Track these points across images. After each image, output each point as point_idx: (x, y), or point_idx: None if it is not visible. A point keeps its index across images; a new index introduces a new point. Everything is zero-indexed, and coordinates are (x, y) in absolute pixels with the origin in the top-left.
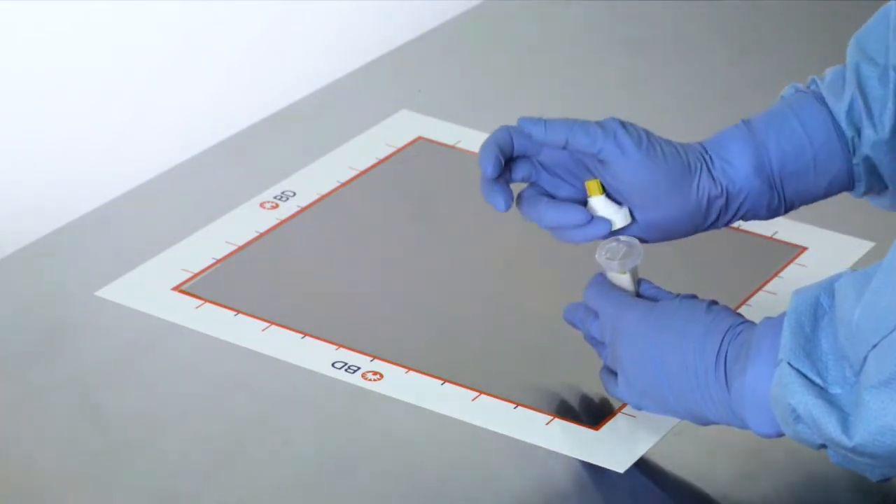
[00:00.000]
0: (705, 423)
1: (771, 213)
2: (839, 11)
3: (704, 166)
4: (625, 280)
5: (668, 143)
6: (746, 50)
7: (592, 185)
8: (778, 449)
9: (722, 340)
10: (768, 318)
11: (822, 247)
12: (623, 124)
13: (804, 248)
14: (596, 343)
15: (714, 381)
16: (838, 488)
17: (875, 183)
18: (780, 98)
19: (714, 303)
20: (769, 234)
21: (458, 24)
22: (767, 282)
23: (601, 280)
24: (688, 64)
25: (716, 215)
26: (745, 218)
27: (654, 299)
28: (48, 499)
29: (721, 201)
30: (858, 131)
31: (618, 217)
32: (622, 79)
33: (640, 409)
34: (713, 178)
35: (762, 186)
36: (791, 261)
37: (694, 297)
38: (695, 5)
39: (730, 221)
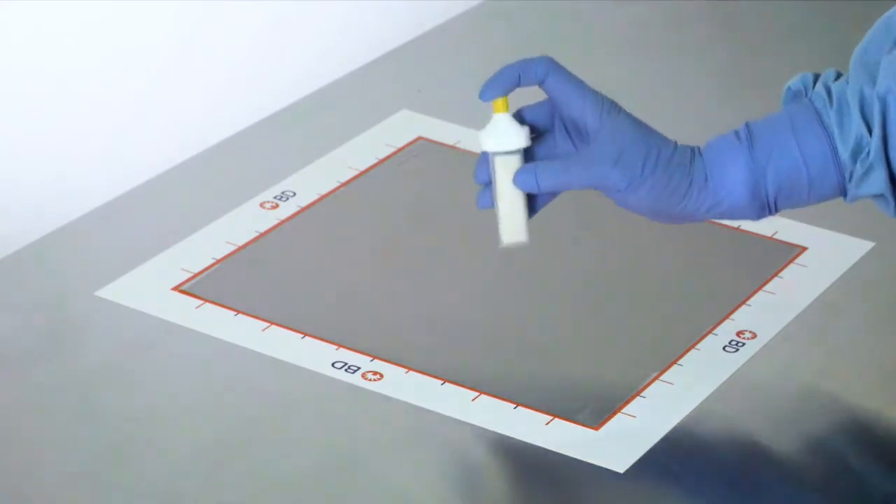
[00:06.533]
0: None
1: (756, 219)
2: (841, 12)
3: (699, 178)
4: (511, 161)
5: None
6: (746, 50)
7: (499, 103)
8: (778, 450)
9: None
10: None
11: (822, 247)
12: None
13: (804, 248)
14: None
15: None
16: (839, 489)
17: None
18: (782, 99)
19: None
20: (769, 234)
21: (458, 24)
22: (767, 282)
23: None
24: (688, 64)
25: (697, 214)
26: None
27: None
28: (48, 499)
29: (707, 209)
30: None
31: (516, 139)
32: (623, 79)
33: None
34: (707, 190)
35: (753, 203)
36: (791, 261)
37: None
38: (695, 5)
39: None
